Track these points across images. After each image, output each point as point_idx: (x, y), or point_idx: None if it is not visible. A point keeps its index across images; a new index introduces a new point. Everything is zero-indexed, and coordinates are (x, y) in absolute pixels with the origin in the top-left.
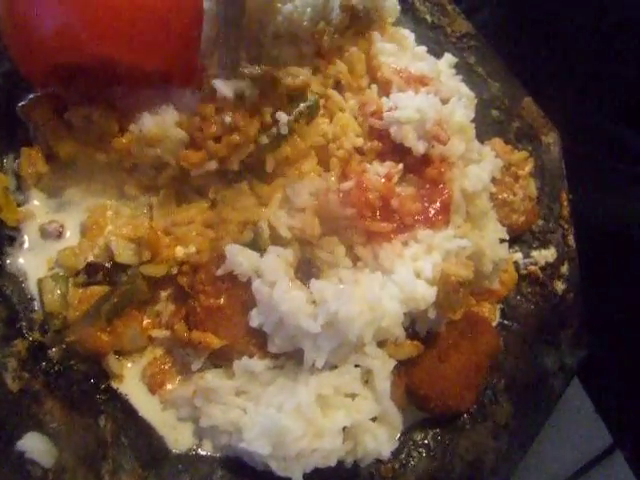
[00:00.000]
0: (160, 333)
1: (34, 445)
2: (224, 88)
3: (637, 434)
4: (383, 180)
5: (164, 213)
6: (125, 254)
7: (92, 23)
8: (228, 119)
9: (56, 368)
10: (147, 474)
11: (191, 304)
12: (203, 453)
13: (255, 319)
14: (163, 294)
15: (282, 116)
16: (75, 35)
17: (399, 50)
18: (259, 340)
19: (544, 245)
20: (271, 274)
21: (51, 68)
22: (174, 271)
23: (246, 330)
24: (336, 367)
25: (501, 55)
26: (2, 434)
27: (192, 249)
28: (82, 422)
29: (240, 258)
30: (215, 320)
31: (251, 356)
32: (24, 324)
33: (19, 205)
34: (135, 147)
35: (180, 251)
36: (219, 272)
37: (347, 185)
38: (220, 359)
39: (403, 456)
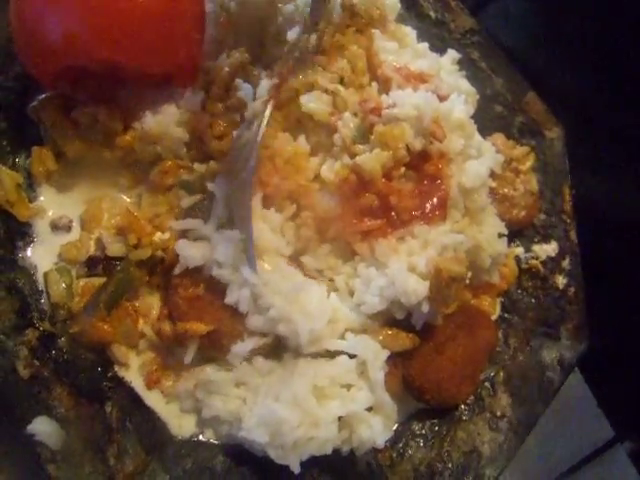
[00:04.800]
0: (148, 331)
1: (43, 428)
2: (245, 88)
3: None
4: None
5: (151, 203)
6: (115, 247)
7: (98, 29)
8: (236, 117)
9: (65, 357)
10: (150, 458)
11: (172, 299)
12: (205, 439)
13: (229, 297)
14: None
15: None
16: (82, 41)
17: (400, 47)
18: (244, 319)
19: (546, 239)
20: (227, 261)
21: (59, 71)
22: (160, 254)
23: (230, 311)
24: (332, 358)
25: (509, 48)
26: (13, 418)
27: (167, 235)
28: (89, 408)
29: (191, 252)
30: (198, 308)
31: (240, 336)
32: (35, 314)
33: (30, 201)
34: (137, 144)
35: (158, 236)
36: (176, 271)
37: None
38: (211, 349)
39: (400, 445)
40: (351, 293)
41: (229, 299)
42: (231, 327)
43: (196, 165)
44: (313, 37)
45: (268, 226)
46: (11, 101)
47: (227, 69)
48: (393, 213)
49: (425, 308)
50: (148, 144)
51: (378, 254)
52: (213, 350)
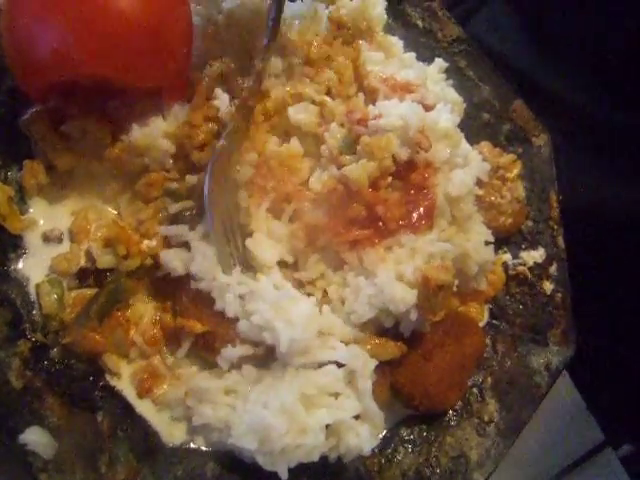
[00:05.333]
0: (139, 340)
1: (35, 438)
2: (222, 98)
3: (628, 431)
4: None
5: (132, 211)
6: (104, 259)
7: (85, 45)
8: (215, 127)
9: (57, 367)
10: (142, 466)
11: (177, 293)
12: (195, 447)
13: (218, 303)
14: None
15: None
16: (70, 56)
17: (386, 58)
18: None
19: (533, 246)
20: (202, 274)
21: (49, 85)
22: (148, 262)
23: (227, 317)
24: (320, 367)
25: (498, 54)
26: (6, 428)
27: (154, 242)
28: (81, 417)
29: (174, 263)
30: (199, 308)
31: (232, 342)
32: (27, 326)
33: (22, 214)
34: (125, 156)
35: (145, 245)
36: (157, 275)
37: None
38: (203, 349)
39: (389, 451)
40: (343, 303)
41: (218, 305)
42: (225, 332)
43: (188, 177)
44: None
45: (268, 237)
46: (3, 115)
47: (207, 79)
48: (380, 223)
49: (413, 316)
50: (135, 156)
51: (366, 263)
52: (205, 351)
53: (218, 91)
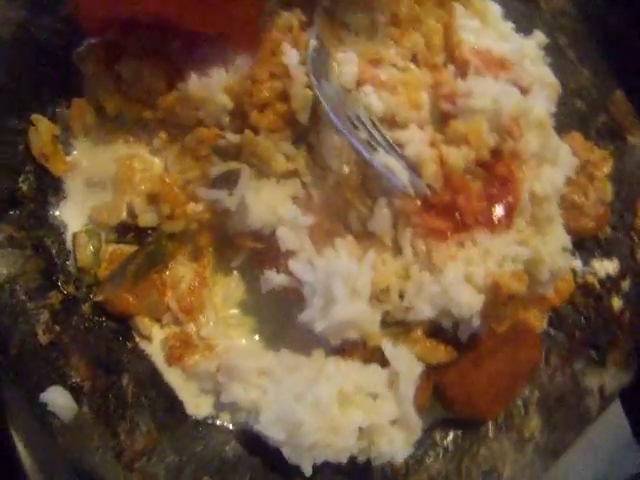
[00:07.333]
0: (174, 305)
1: (56, 399)
2: (290, 53)
3: None
4: None
5: (180, 168)
6: (146, 217)
7: None
8: (280, 86)
9: (86, 324)
10: (162, 437)
11: None
12: (219, 423)
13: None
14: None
15: None
16: None
17: (482, 27)
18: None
19: (607, 255)
20: None
21: (108, 18)
22: (193, 226)
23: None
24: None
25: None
26: (28, 384)
27: (200, 207)
28: (105, 379)
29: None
30: None
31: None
32: (61, 277)
33: (66, 155)
34: (179, 107)
35: (191, 207)
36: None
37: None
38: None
39: (420, 453)
40: (401, 295)
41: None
42: (276, 256)
43: (229, 135)
44: None
45: None
46: (57, 45)
47: (275, 31)
48: (457, 214)
49: (476, 322)
50: (190, 108)
51: (435, 258)
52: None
53: (285, 46)
